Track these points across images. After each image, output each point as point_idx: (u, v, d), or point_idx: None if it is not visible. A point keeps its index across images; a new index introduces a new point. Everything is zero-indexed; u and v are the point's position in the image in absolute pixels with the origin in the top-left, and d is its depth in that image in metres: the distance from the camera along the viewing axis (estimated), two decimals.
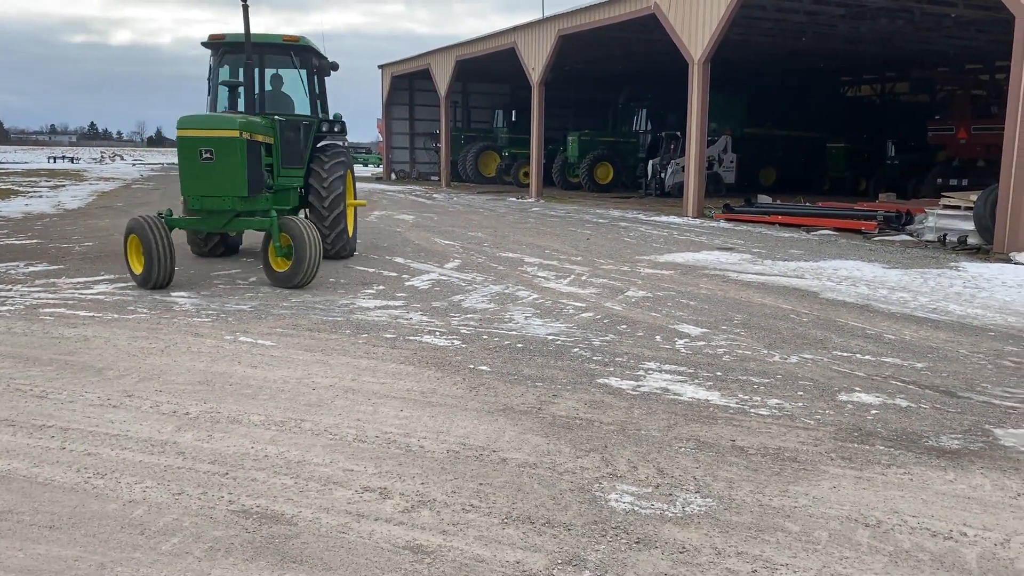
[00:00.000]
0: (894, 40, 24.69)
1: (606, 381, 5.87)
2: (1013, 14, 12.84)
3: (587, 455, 4.42)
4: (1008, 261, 12.53)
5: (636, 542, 3.44)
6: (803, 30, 23.60)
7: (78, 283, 9.59)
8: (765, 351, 6.86)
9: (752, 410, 5.25)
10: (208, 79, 11.26)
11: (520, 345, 6.91)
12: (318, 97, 11.71)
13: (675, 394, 5.58)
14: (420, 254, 12.87)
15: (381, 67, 44.40)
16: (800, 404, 5.39)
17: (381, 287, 9.69)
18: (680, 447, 4.57)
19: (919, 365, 6.48)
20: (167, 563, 3.22)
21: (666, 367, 6.28)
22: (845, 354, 6.80)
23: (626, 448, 4.53)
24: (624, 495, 3.91)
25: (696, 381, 5.90)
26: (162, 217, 9.23)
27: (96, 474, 4.08)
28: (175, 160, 10.62)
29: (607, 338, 7.22)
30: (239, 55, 10.96)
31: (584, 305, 8.76)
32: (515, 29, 29.48)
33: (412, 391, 5.55)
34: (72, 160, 65.65)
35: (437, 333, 7.31)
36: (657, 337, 7.30)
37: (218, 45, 10.94)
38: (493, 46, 31.67)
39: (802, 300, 9.28)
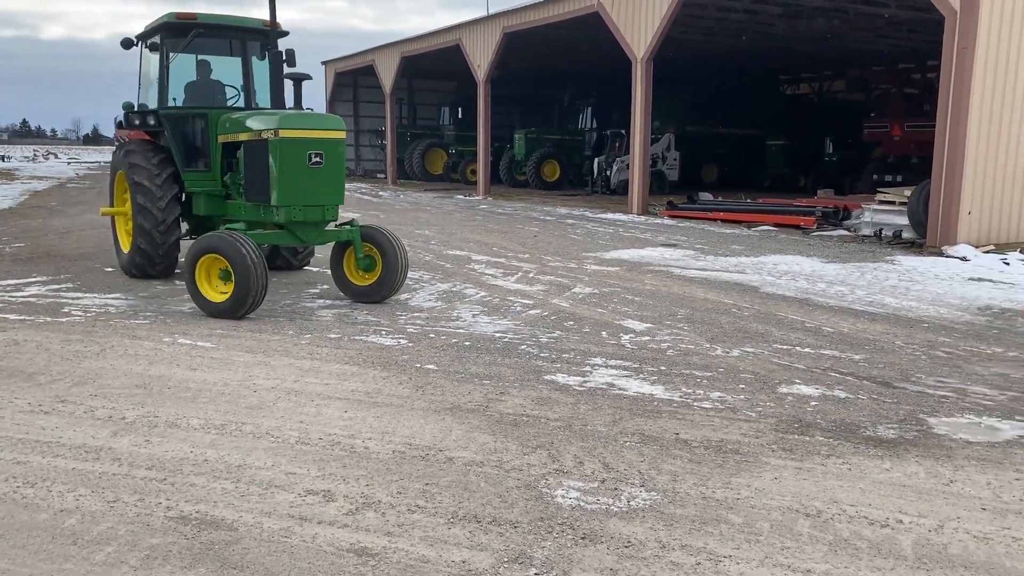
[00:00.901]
0: (830, 39, 25.25)
1: (553, 377, 5.88)
2: (943, 15, 13.24)
3: (534, 452, 4.42)
4: (940, 254, 12.92)
5: (582, 538, 3.45)
6: (743, 29, 23.97)
7: (8, 285, 9.26)
8: (708, 345, 6.95)
9: (695, 403, 5.31)
10: (163, 66, 9.53)
11: (467, 343, 6.89)
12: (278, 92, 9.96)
13: (621, 389, 5.61)
14: None
15: (324, 63, 43.84)
16: (742, 397, 5.47)
17: (325, 286, 9.56)
18: (625, 441, 4.60)
19: (857, 357, 6.63)
20: (101, 573, 3.12)
21: (612, 363, 6.32)
22: (785, 347, 6.93)
23: (572, 444, 4.54)
24: (570, 491, 3.92)
25: (641, 376, 5.95)
26: (241, 232, 7.85)
27: (26, 483, 3.93)
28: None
29: (554, 335, 7.24)
30: (213, 40, 9.73)
31: (531, 302, 8.77)
32: (460, 26, 29.39)
33: (357, 391, 5.48)
34: (3, 159, 63.47)
35: (383, 332, 7.24)
36: (603, 333, 7.34)
37: (188, 27, 9.39)
38: (438, 43, 31.51)
39: (743, 295, 9.43)
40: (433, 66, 37.01)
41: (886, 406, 5.33)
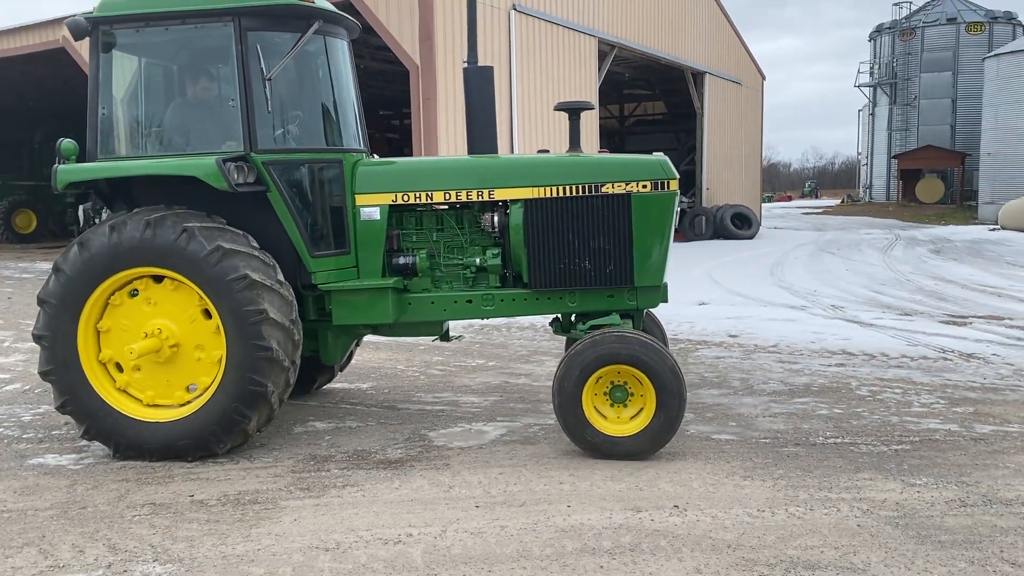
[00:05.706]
0: None
1: (42, 460, 5.17)
2: (408, 68, 14.82)
3: (20, 552, 3.83)
4: None
5: None
6: None
7: None
8: None
9: (210, 459, 5.12)
10: (242, 74, 5.23)
11: None
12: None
13: (125, 460, 5.15)
14: None
15: None
16: (258, 444, 5.43)
17: None
18: (134, 516, 4.23)
19: (365, 386, 7.04)
20: None
21: None
22: None
23: (69, 532, 4.04)
24: None
25: None
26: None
27: None
28: None
29: (40, 410, 6.36)
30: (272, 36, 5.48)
31: (9, 376, 7.59)
32: None
33: None
34: None
35: None
36: None
37: (312, 14, 5.46)
38: None
39: None
40: None
41: (393, 428, 5.76)
